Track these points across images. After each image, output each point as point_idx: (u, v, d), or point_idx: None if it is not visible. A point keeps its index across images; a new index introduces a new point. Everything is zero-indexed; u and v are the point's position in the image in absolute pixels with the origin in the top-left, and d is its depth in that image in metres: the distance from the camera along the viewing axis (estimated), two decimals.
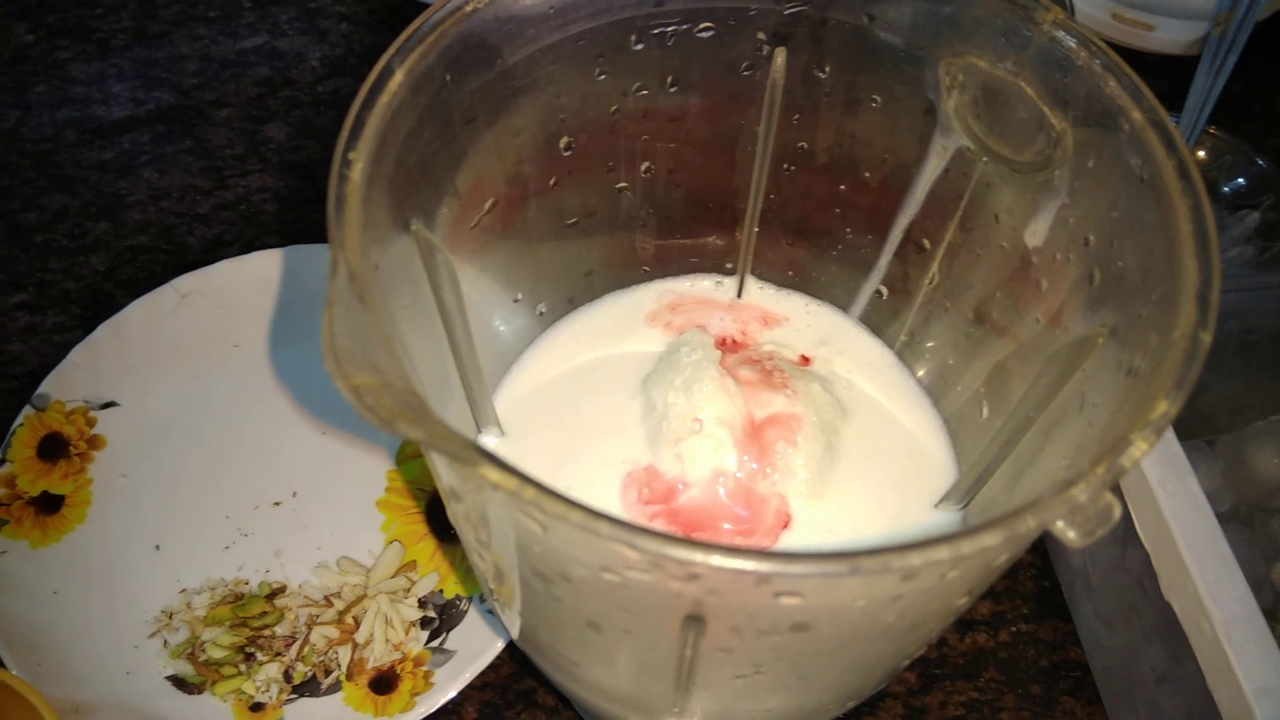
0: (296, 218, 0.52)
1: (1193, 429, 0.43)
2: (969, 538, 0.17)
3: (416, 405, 0.19)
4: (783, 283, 0.36)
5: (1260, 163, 0.52)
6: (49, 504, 0.43)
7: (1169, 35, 0.61)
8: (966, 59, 0.28)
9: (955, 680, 0.41)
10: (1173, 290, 0.21)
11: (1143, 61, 0.62)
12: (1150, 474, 0.33)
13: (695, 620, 0.20)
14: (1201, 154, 0.53)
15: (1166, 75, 0.60)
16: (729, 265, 0.36)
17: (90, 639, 0.40)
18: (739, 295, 0.36)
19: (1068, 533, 0.18)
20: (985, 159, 0.29)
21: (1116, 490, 0.35)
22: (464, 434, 0.19)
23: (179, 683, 0.40)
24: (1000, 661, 0.41)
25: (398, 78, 0.24)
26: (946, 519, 0.31)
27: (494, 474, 0.18)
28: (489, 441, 0.32)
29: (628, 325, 0.35)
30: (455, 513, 0.25)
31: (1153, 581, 0.34)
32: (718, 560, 0.17)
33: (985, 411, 0.31)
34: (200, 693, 0.39)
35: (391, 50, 0.24)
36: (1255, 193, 0.52)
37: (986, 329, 0.31)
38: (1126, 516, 0.35)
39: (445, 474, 0.23)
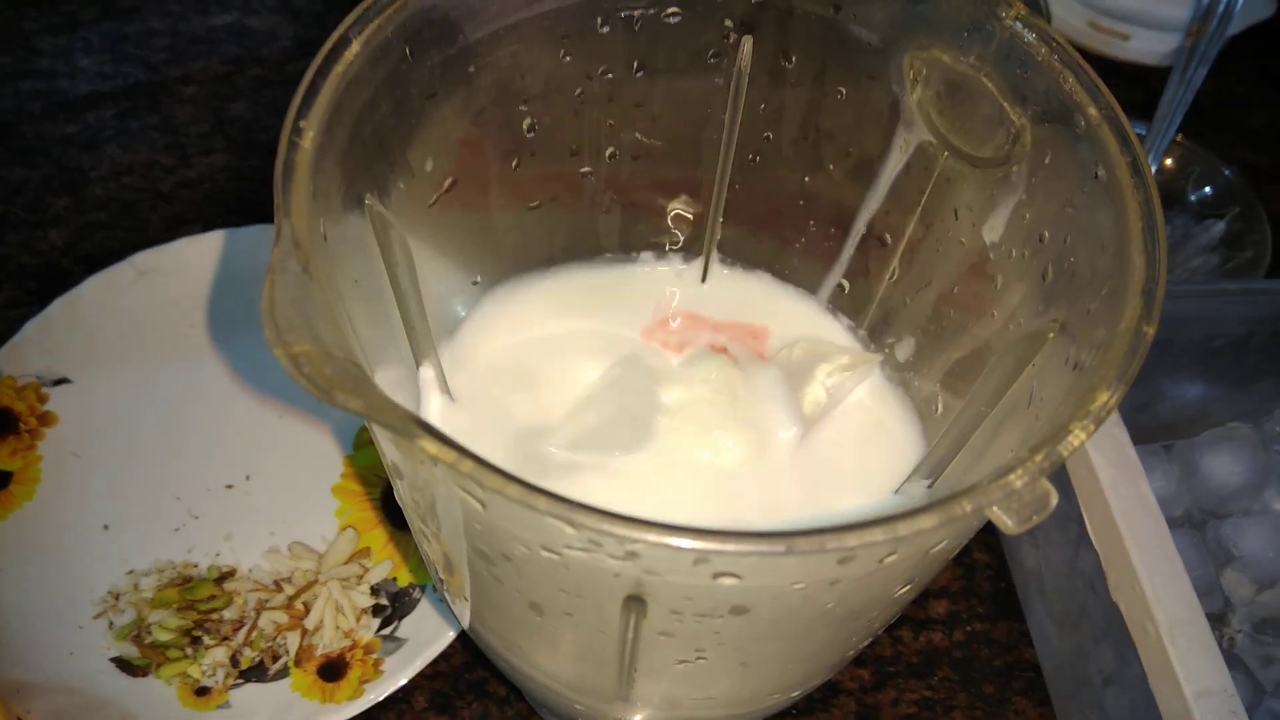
0: (260, 198, 0.52)
1: (1150, 433, 0.43)
2: (905, 520, 0.17)
3: (356, 375, 0.19)
4: (746, 275, 0.36)
5: (1227, 173, 0.52)
6: None
7: (1144, 45, 0.62)
8: (931, 53, 0.28)
9: (909, 678, 0.41)
10: (1120, 285, 0.21)
11: (1118, 71, 0.62)
12: (1102, 476, 0.33)
13: (635, 601, 0.20)
14: (1169, 163, 0.53)
15: (1141, 85, 0.61)
16: (693, 253, 0.36)
17: (34, 619, 0.39)
18: (703, 280, 0.36)
19: (1004, 519, 0.18)
20: (946, 154, 0.29)
21: (1066, 496, 0.35)
22: (405, 406, 0.19)
23: (123, 664, 0.39)
24: (954, 660, 0.42)
25: (354, 48, 0.24)
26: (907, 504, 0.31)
27: (432, 446, 0.18)
28: (435, 405, 0.31)
29: (585, 304, 0.35)
30: (399, 490, 0.24)
31: (1103, 584, 0.34)
32: (654, 538, 0.17)
33: (941, 406, 0.31)
34: (145, 675, 0.39)
35: (349, 20, 0.24)
36: (1222, 203, 0.52)
37: (944, 325, 0.31)
38: (1079, 519, 0.35)
39: (388, 449, 0.22)
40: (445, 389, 0.31)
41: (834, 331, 0.35)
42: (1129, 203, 0.23)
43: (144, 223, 0.51)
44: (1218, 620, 0.41)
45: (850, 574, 0.19)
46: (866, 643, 0.28)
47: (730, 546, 0.17)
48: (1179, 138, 0.53)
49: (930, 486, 0.29)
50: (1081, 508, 0.34)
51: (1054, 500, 0.18)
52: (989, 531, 0.45)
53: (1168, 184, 0.53)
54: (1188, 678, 0.30)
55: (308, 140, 0.22)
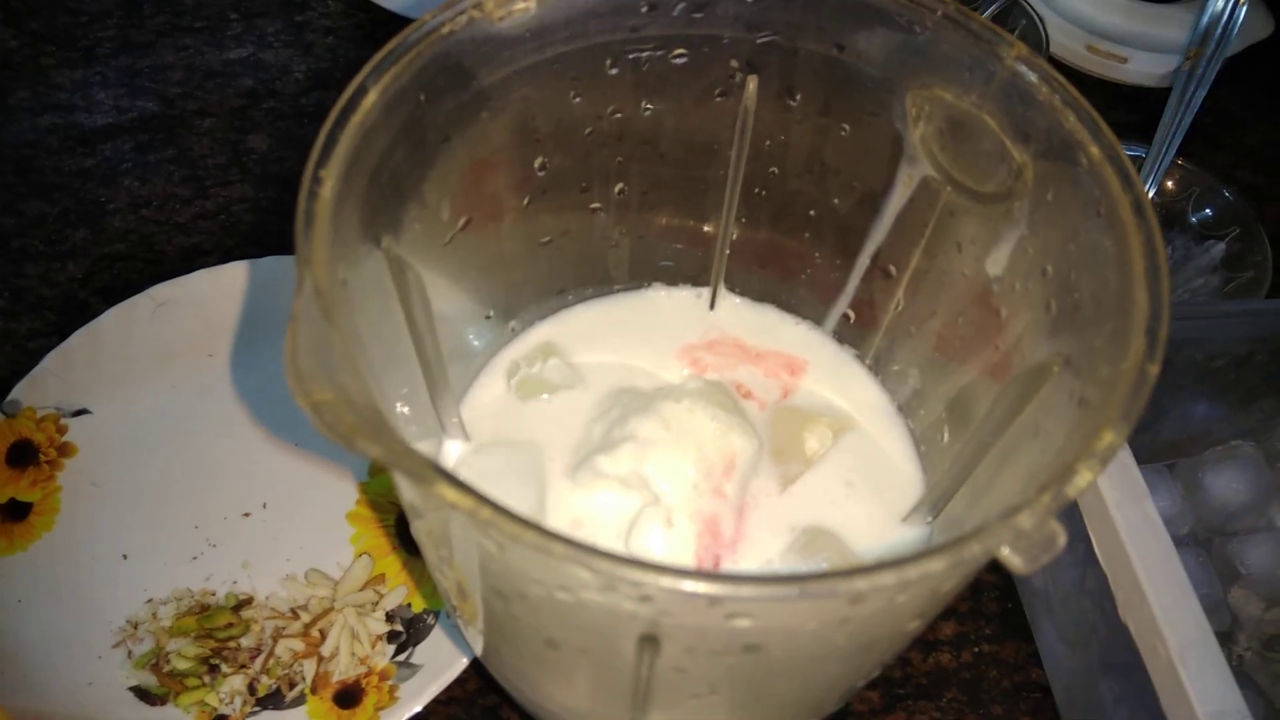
0: (276, 229, 0.53)
1: (1153, 453, 0.43)
2: (914, 563, 0.18)
3: (376, 422, 0.19)
4: (754, 305, 0.37)
5: (1227, 194, 0.53)
6: (16, 511, 0.43)
7: (1142, 68, 0.63)
8: (933, 91, 0.28)
9: (918, 700, 0.41)
10: (1124, 323, 0.22)
11: (1116, 93, 0.63)
12: (1108, 497, 0.33)
13: (650, 640, 0.21)
14: (1170, 184, 0.54)
15: (1139, 107, 0.61)
16: (702, 284, 0.37)
17: (54, 648, 0.40)
18: (711, 309, 0.37)
19: (1013, 559, 0.18)
20: (949, 189, 0.29)
21: (1072, 516, 0.35)
22: (423, 451, 0.19)
23: (142, 694, 0.39)
24: (963, 682, 0.42)
25: (371, 97, 0.24)
26: (913, 532, 0.31)
27: (451, 493, 0.18)
28: (455, 448, 0.32)
29: (599, 337, 0.35)
30: (417, 529, 0.25)
31: (1112, 603, 0.34)
32: (668, 582, 0.17)
33: (946, 435, 0.31)
34: (163, 704, 0.39)
35: (366, 70, 0.24)
36: (1222, 224, 0.53)
37: (948, 355, 0.31)
38: (1086, 539, 0.35)
39: (406, 491, 0.23)
40: (463, 427, 0.32)
41: (840, 360, 0.35)
42: (1132, 241, 0.23)
43: (161, 254, 0.52)
44: (1226, 638, 0.41)
45: (861, 613, 0.19)
46: (876, 673, 0.28)
47: (744, 591, 0.17)
48: (1179, 159, 0.53)
49: (934, 519, 0.30)
50: (1088, 528, 0.35)
51: (1062, 540, 0.18)
52: None
53: (1168, 205, 0.54)
54: (1200, 699, 0.31)
55: (327, 189, 0.23)
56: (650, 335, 0.36)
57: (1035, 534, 0.18)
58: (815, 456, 0.32)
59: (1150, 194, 0.53)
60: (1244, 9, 0.50)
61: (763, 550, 0.30)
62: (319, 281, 0.21)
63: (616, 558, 0.17)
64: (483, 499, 0.18)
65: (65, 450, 0.45)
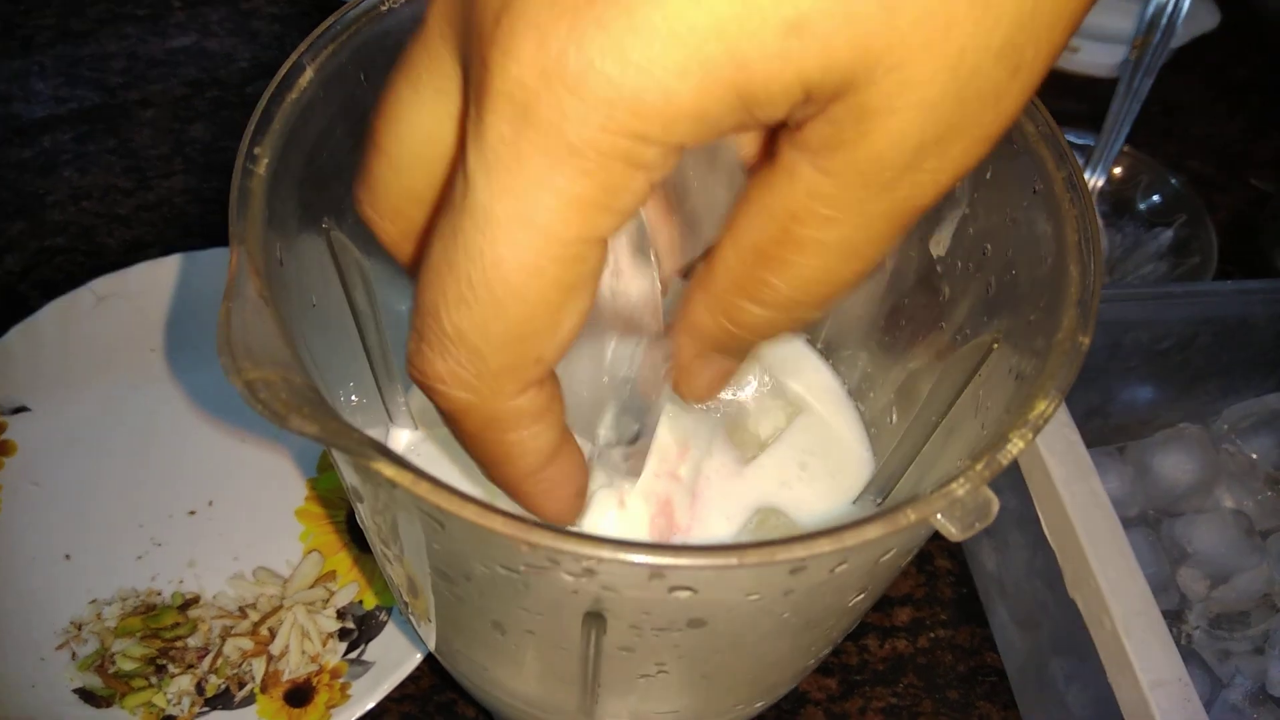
0: (220, 220, 0.51)
1: (1104, 436, 0.44)
2: (852, 530, 0.18)
3: (313, 400, 0.19)
4: None
5: (1174, 182, 0.54)
6: None
7: (1092, 58, 0.64)
8: None
9: (875, 686, 0.41)
10: (1058, 297, 0.22)
11: (1067, 83, 0.64)
12: (1055, 474, 0.34)
13: (595, 617, 0.20)
14: (1118, 172, 0.55)
15: (1089, 97, 0.62)
16: None
17: None
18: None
19: (948, 526, 0.18)
20: None
21: (1023, 498, 0.36)
22: (364, 430, 0.19)
23: (87, 695, 0.38)
24: (919, 667, 0.42)
25: (308, 74, 0.24)
26: (863, 514, 0.31)
27: (389, 469, 0.18)
28: (403, 436, 0.32)
29: None
30: (361, 514, 0.25)
31: (1061, 583, 0.35)
32: (608, 554, 0.17)
33: (894, 418, 0.31)
34: (109, 706, 0.38)
35: (302, 46, 0.24)
36: (1169, 211, 0.54)
37: (896, 338, 0.31)
38: (1036, 521, 0.36)
39: (347, 473, 0.22)
40: (411, 415, 0.31)
41: (792, 346, 0.36)
42: (1066, 216, 0.23)
43: (102, 247, 0.51)
44: (1175, 617, 0.42)
45: (803, 584, 0.19)
46: (826, 652, 0.28)
47: (683, 561, 0.17)
48: (1127, 148, 0.54)
49: (883, 501, 0.30)
50: (1037, 508, 0.35)
51: (995, 507, 0.19)
52: None
53: (1117, 193, 0.55)
54: (1143, 668, 0.31)
55: (262, 167, 0.22)
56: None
57: (969, 501, 0.18)
58: (770, 439, 0.32)
59: (1099, 182, 0.54)
60: None
61: (717, 532, 0.30)
62: (254, 259, 0.21)
63: (556, 530, 0.17)
64: (421, 474, 0.18)
65: (5, 448, 0.44)
